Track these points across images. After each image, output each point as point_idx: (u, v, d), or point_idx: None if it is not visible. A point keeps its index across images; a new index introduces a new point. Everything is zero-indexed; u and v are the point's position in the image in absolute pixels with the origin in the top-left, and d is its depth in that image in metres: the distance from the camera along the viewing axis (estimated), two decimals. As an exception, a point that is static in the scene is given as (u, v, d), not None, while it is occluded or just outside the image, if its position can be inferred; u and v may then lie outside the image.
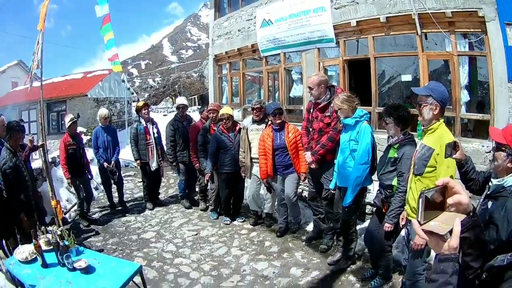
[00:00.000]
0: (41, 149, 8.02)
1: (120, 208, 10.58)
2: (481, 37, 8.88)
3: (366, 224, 7.80)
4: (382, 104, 11.64)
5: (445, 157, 4.03)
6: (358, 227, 7.54)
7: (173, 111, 13.83)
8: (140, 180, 12.24)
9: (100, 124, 10.36)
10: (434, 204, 1.76)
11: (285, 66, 14.74)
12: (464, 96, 9.41)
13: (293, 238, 8.24)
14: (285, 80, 14.91)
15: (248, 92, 21.51)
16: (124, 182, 11.56)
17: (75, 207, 9.92)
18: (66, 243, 5.17)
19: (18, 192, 6.79)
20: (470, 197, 1.80)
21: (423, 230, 1.68)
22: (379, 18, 10.49)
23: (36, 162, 9.83)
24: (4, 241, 6.43)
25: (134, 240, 8.44)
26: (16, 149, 6.92)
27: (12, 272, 5.14)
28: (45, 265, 5.10)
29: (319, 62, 12.89)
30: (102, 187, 11.09)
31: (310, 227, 8.49)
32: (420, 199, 1.69)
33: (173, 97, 46.51)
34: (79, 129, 10.58)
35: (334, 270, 6.76)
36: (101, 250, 7.65)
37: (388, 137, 5.65)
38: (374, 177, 6.25)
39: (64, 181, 10.46)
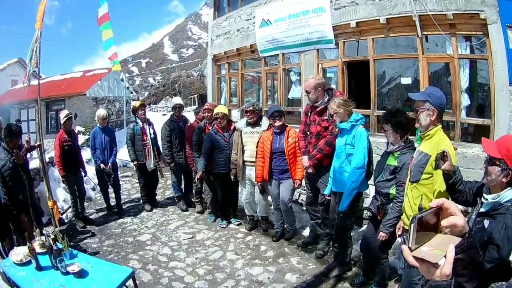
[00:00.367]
0: (38, 149, 7.98)
1: (116, 210, 10.51)
2: (483, 40, 8.81)
3: (363, 228, 7.84)
4: (381, 106, 11.63)
5: (434, 169, 3.98)
6: (355, 232, 7.62)
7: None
8: (137, 181, 12.19)
9: (98, 125, 10.30)
10: (428, 225, 1.66)
11: (284, 67, 14.70)
12: (465, 100, 9.34)
13: (289, 243, 8.19)
14: (283, 81, 14.87)
15: (247, 93, 21.73)
16: (121, 183, 11.51)
17: (71, 208, 9.80)
18: (60, 246, 5.19)
19: (17, 193, 6.76)
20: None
21: (414, 257, 1.58)
22: (379, 19, 10.42)
23: (34, 162, 9.76)
24: (0, 242, 6.43)
25: (129, 243, 8.40)
26: (13, 150, 6.88)
27: (8, 273, 5.17)
28: (39, 268, 5.10)
29: (318, 63, 12.85)
30: (99, 188, 10.99)
31: (306, 232, 8.44)
32: (412, 224, 1.58)
33: (173, 96, 46.69)
34: (77, 128, 10.52)
35: (329, 276, 6.70)
36: (96, 253, 7.63)
37: (387, 143, 5.57)
38: (370, 181, 6.17)
39: (61, 181, 10.40)
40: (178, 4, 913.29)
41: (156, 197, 11.35)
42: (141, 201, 10.99)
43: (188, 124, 10.34)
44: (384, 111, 6.86)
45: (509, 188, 3.15)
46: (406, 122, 5.33)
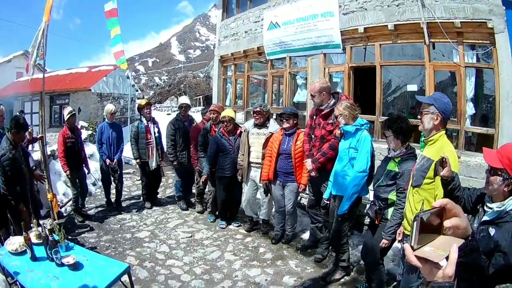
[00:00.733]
0: (40, 141, 7.97)
1: (116, 206, 10.48)
2: (489, 49, 8.79)
3: (363, 234, 7.79)
4: (386, 113, 11.57)
5: (433, 176, 3.99)
6: (356, 238, 7.62)
7: (177, 111, 13.84)
8: (139, 178, 12.22)
9: (106, 120, 10.29)
10: (430, 226, 1.57)
11: (290, 71, 14.67)
12: (470, 109, 9.33)
13: (288, 246, 8.14)
14: (289, 84, 14.85)
15: (253, 96, 21.79)
16: (123, 180, 11.44)
17: (71, 202, 9.80)
18: (56, 238, 5.21)
19: (15, 185, 6.73)
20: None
21: (416, 256, 1.50)
22: (387, 25, 10.44)
23: (35, 154, 9.75)
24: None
25: (127, 239, 8.39)
26: (17, 143, 6.88)
27: (2, 262, 5.16)
28: (34, 258, 5.10)
29: (324, 68, 12.83)
30: (100, 183, 11.01)
31: (306, 236, 8.41)
32: (415, 222, 1.51)
33: (178, 96, 46.65)
34: (80, 123, 10.52)
35: (328, 280, 6.66)
36: (94, 247, 7.60)
37: (388, 149, 5.57)
38: (371, 187, 6.13)
39: (62, 174, 10.48)
40: (187, 4, 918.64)
41: (157, 196, 11.33)
42: (141, 198, 10.98)
43: (194, 124, 10.31)
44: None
45: (511, 197, 3.13)
46: (407, 128, 5.34)
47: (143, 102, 10.62)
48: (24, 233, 5.13)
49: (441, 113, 4.33)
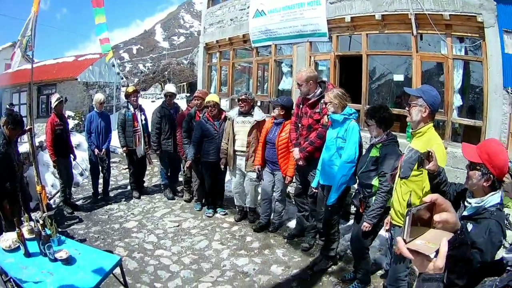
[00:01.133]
0: (28, 133, 7.93)
1: (103, 196, 10.46)
2: (478, 43, 8.83)
3: (349, 223, 7.94)
4: (372, 102, 11.65)
5: (417, 168, 4.00)
6: (341, 226, 7.58)
7: (161, 98, 13.73)
8: (125, 167, 12.37)
9: (95, 109, 10.20)
10: (421, 220, 1.68)
11: (276, 58, 14.73)
12: (457, 101, 9.41)
13: (275, 234, 8.25)
14: (274, 72, 14.90)
15: (237, 82, 21.78)
16: (111, 170, 11.42)
17: (59, 193, 9.81)
18: (48, 232, 5.17)
19: (4, 181, 6.69)
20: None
21: (408, 249, 1.60)
22: (374, 15, 10.47)
23: (23, 146, 9.73)
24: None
25: (116, 229, 8.41)
26: (12, 139, 6.89)
27: None
28: (27, 254, 5.07)
29: (310, 56, 12.90)
30: (87, 174, 11.02)
31: (292, 224, 8.47)
32: (407, 217, 1.61)
33: (162, 84, 46.79)
34: (67, 113, 10.45)
35: (315, 269, 6.72)
36: (83, 240, 7.60)
37: (371, 138, 5.64)
38: (357, 176, 6.21)
39: (50, 165, 10.46)
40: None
41: (144, 184, 11.33)
42: (128, 187, 11.03)
43: (180, 112, 10.29)
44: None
45: (493, 192, 3.19)
46: (390, 117, 5.45)
47: (130, 89, 10.54)
48: (17, 228, 5.10)
49: (429, 106, 4.34)
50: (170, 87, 10.92)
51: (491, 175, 3.13)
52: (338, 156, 6.18)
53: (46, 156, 10.37)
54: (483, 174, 3.16)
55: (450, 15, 8.93)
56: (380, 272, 6.44)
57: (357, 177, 5.88)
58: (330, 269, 6.73)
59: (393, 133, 5.60)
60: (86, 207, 9.75)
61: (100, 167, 10.32)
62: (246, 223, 8.78)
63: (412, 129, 4.60)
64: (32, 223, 5.47)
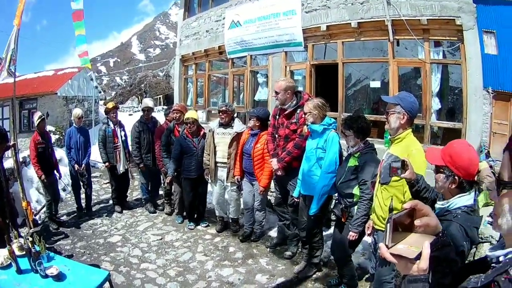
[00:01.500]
0: (12, 148, 7.92)
1: (86, 211, 10.42)
2: (457, 46, 8.95)
3: (331, 230, 7.77)
4: (348, 109, 11.84)
5: (389, 176, 3.93)
6: (324, 233, 7.58)
7: (139, 111, 13.68)
8: (106, 181, 12.40)
9: (74, 124, 10.16)
10: (402, 225, 1.75)
11: (252, 69, 14.86)
12: (435, 104, 9.54)
13: (257, 244, 8.30)
14: (250, 82, 15.04)
15: (213, 93, 21.95)
16: (92, 184, 11.32)
17: (44, 209, 9.74)
18: (37, 249, 5.15)
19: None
20: None
21: (391, 253, 1.66)
22: (350, 23, 10.63)
23: (8, 162, 9.66)
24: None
25: (101, 244, 8.41)
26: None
27: None
28: (19, 271, 5.06)
29: (285, 66, 13.08)
30: (70, 189, 10.98)
31: (274, 233, 8.54)
32: (388, 224, 1.67)
33: (139, 96, 46.56)
34: (48, 127, 10.40)
35: (299, 277, 6.79)
36: (70, 255, 7.58)
37: (348, 147, 5.67)
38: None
39: (34, 181, 10.42)
40: (148, 3, 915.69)
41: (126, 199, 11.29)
42: (110, 202, 11.01)
43: (158, 126, 10.32)
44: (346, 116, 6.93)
45: (461, 194, 3.20)
46: (367, 127, 5.50)
47: (110, 105, 10.51)
48: (8, 245, 5.11)
49: (407, 112, 4.39)
50: (148, 102, 10.89)
51: (456, 177, 3.16)
52: (318, 166, 6.21)
53: (30, 172, 10.34)
54: (447, 176, 3.20)
55: (427, 19, 9.10)
56: (366, 276, 6.49)
57: (337, 187, 5.88)
58: (314, 276, 6.80)
59: (370, 140, 5.64)
60: (70, 222, 9.71)
61: (81, 183, 10.28)
62: (228, 234, 8.84)
63: (390, 135, 4.65)
64: (21, 240, 5.50)
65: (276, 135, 7.21)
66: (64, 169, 10.43)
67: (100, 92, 34.03)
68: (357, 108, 15.07)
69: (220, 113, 8.35)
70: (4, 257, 5.21)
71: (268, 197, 9.09)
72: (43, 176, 8.99)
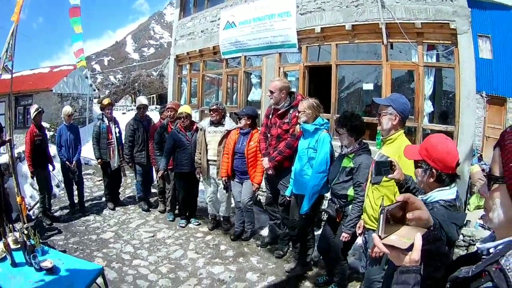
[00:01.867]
0: (8, 144, 7.95)
1: (79, 207, 10.46)
2: (451, 49, 8.98)
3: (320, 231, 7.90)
4: (341, 110, 11.80)
5: (375, 175, 3.88)
6: (316, 233, 7.60)
7: (132, 110, 13.59)
8: (99, 178, 12.46)
9: (64, 122, 10.21)
10: (395, 218, 1.78)
11: (245, 69, 14.88)
12: (428, 107, 9.57)
13: (248, 243, 8.36)
14: (244, 83, 15.06)
15: (206, 93, 21.96)
16: (84, 180, 11.32)
17: (38, 204, 9.80)
18: (32, 242, 5.21)
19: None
20: None
21: (383, 244, 1.71)
22: (344, 25, 10.65)
23: (3, 157, 9.73)
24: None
25: (93, 240, 8.44)
26: None
27: None
28: (14, 264, 5.11)
29: (279, 67, 13.09)
30: (63, 185, 10.98)
31: (265, 232, 8.60)
32: (381, 215, 1.71)
33: (133, 95, 46.45)
34: (43, 124, 10.43)
35: (290, 276, 6.85)
36: (64, 251, 7.56)
37: (341, 147, 5.69)
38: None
39: (28, 177, 10.40)
40: (143, 2, 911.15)
41: (119, 196, 11.33)
42: (103, 198, 11.07)
43: (152, 124, 10.37)
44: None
45: (440, 188, 3.23)
46: (361, 126, 5.52)
47: (105, 102, 10.57)
48: (3, 239, 5.18)
49: (399, 114, 4.43)
50: (143, 99, 10.98)
51: (433, 170, 3.19)
52: (309, 166, 6.27)
53: (24, 168, 10.34)
54: (425, 170, 3.24)
55: (422, 23, 9.12)
56: (356, 275, 6.51)
57: (330, 188, 5.93)
58: (305, 275, 6.85)
59: (364, 141, 5.64)
60: (63, 218, 9.76)
61: (72, 179, 10.29)
62: (219, 232, 8.91)
63: (383, 136, 4.68)
64: (16, 234, 5.55)
65: (269, 135, 7.29)
66: (58, 166, 10.40)
67: (94, 90, 34.06)
68: (350, 110, 15.07)
69: (211, 112, 8.46)
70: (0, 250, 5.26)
71: (260, 197, 9.25)
72: (32, 171, 9.10)
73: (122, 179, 11.46)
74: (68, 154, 9.94)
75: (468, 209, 9.15)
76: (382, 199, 4.55)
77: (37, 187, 9.84)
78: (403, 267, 1.69)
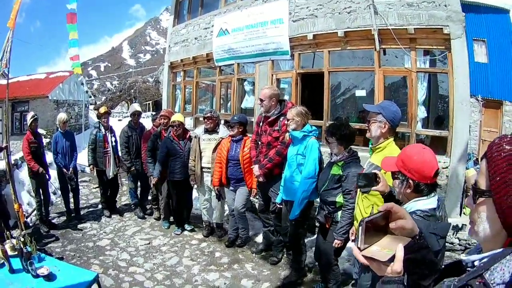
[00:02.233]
0: (4, 150, 7.99)
1: (75, 215, 10.43)
2: (444, 54, 9.02)
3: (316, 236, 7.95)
4: (334, 118, 11.85)
5: (357, 187, 3.90)
6: (308, 239, 7.78)
7: (128, 116, 13.69)
8: (95, 186, 12.54)
9: (59, 130, 10.19)
10: (378, 227, 1.76)
11: (239, 77, 14.91)
12: (421, 113, 9.58)
13: (243, 249, 8.39)
14: (237, 90, 15.09)
15: (201, 100, 22.03)
16: (80, 187, 11.42)
17: (36, 211, 9.81)
18: (29, 249, 5.27)
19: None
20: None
21: (364, 256, 1.68)
22: (337, 32, 10.68)
23: (0, 164, 9.75)
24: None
25: (90, 247, 8.47)
26: None
27: None
28: (12, 270, 5.17)
29: (272, 74, 13.12)
30: (59, 192, 10.96)
31: (259, 239, 8.64)
32: (360, 227, 1.69)
33: (129, 102, 46.44)
34: (40, 131, 10.45)
35: (285, 282, 6.88)
36: (61, 258, 7.60)
37: (331, 154, 5.73)
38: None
39: (25, 184, 10.47)
40: (139, 8, 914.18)
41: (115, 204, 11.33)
42: (99, 206, 11.12)
43: (145, 131, 10.42)
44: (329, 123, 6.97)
45: (418, 198, 3.22)
46: (351, 134, 5.54)
47: (102, 110, 10.59)
48: (0, 245, 5.23)
49: (389, 122, 4.40)
50: (136, 106, 11.03)
51: (410, 181, 3.17)
52: (299, 172, 6.32)
53: (21, 174, 10.37)
54: (402, 182, 3.23)
55: (415, 28, 9.16)
56: (351, 281, 6.56)
57: (319, 195, 5.96)
58: (300, 281, 6.88)
59: (355, 148, 5.72)
60: (60, 225, 9.77)
61: (69, 186, 10.27)
62: (214, 239, 8.96)
63: (372, 144, 4.68)
64: (13, 241, 5.58)
65: (259, 142, 7.33)
66: (54, 173, 10.44)
67: (90, 97, 33.96)
68: (345, 116, 15.08)
69: (205, 120, 8.55)
70: (-3, 257, 5.31)
71: (254, 204, 9.26)
72: (41, 169, 9.09)
73: (120, 187, 11.48)
74: (64, 161, 9.93)
75: (464, 213, 9.14)
76: (372, 207, 4.55)
77: (33, 193, 9.85)
78: (385, 277, 1.67)
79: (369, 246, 1.71)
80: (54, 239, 8.85)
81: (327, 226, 5.75)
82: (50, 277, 5.05)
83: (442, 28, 8.89)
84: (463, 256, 1.71)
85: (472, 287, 1.41)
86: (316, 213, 6.19)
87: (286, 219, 6.76)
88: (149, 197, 10.91)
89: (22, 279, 5.04)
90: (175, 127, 8.80)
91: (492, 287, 1.34)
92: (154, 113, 16.48)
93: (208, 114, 8.51)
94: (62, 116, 10.26)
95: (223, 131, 8.55)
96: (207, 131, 8.63)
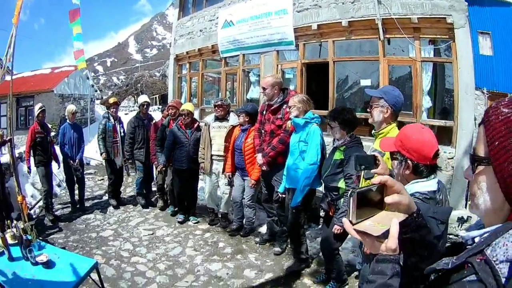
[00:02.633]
0: (8, 143, 7.99)
1: (79, 206, 10.48)
2: (448, 43, 8.96)
3: (320, 226, 7.96)
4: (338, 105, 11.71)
5: (355, 169, 3.60)
6: (313, 229, 7.88)
7: (134, 110, 13.56)
8: (100, 178, 12.80)
9: (68, 121, 10.29)
10: (373, 202, 1.65)
11: (244, 68, 14.95)
12: (426, 102, 9.53)
13: (247, 239, 8.39)
14: (243, 81, 15.14)
15: (207, 94, 22.16)
16: (85, 180, 11.43)
17: (40, 203, 9.89)
18: (29, 237, 5.29)
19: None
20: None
21: (356, 230, 1.56)
22: (341, 22, 10.65)
23: (4, 157, 9.75)
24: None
25: (93, 238, 8.48)
26: None
27: None
28: (11, 258, 5.18)
29: (277, 65, 13.10)
30: (64, 184, 11.07)
31: (263, 229, 8.61)
32: (351, 198, 1.56)
33: (135, 96, 46.44)
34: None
35: (288, 272, 6.87)
36: (63, 248, 7.52)
37: (334, 140, 5.70)
38: (322, 179, 6.26)
39: (29, 176, 10.53)
40: (145, 3, 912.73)
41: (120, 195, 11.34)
42: (104, 197, 11.27)
43: (153, 122, 10.44)
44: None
45: (417, 180, 3.09)
46: (353, 119, 5.51)
47: (111, 100, 10.69)
48: (0, 234, 5.25)
49: (391, 106, 4.31)
50: (145, 97, 11.08)
51: (408, 161, 3.05)
52: (301, 159, 6.29)
53: (25, 167, 10.39)
54: (400, 162, 3.12)
55: (418, 18, 9.10)
56: (355, 273, 6.50)
57: (323, 181, 5.94)
58: (303, 272, 6.85)
59: (361, 138, 5.65)
60: (64, 217, 9.80)
61: (75, 178, 10.34)
62: (218, 230, 8.95)
63: (375, 129, 4.60)
64: (14, 229, 5.58)
65: (263, 131, 7.32)
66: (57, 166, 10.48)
67: (96, 91, 34.10)
68: (353, 107, 15.06)
69: (216, 108, 8.54)
70: (-3, 246, 5.33)
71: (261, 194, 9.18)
72: (31, 161, 9.27)
73: (124, 178, 11.54)
74: (71, 152, 10.01)
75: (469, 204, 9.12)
76: None
77: (38, 186, 10.00)
78: (380, 255, 1.56)
79: (362, 220, 1.59)
80: (57, 230, 8.89)
81: (330, 213, 5.73)
82: (49, 264, 5.07)
83: (445, 18, 8.84)
84: (462, 233, 1.63)
85: (472, 265, 1.32)
86: (320, 201, 6.15)
87: (289, 209, 6.70)
88: (154, 188, 10.94)
89: (22, 266, 5.05)
90: (184, 116, 8.84)
91: (495, 265, 1.23)
92: (160, 106, 16.50)
93: (219, 102, 8.56)
94: (71, 107, 10.42)
95: (233, 119, 8.55)
96: (217, 119, 8.62)
